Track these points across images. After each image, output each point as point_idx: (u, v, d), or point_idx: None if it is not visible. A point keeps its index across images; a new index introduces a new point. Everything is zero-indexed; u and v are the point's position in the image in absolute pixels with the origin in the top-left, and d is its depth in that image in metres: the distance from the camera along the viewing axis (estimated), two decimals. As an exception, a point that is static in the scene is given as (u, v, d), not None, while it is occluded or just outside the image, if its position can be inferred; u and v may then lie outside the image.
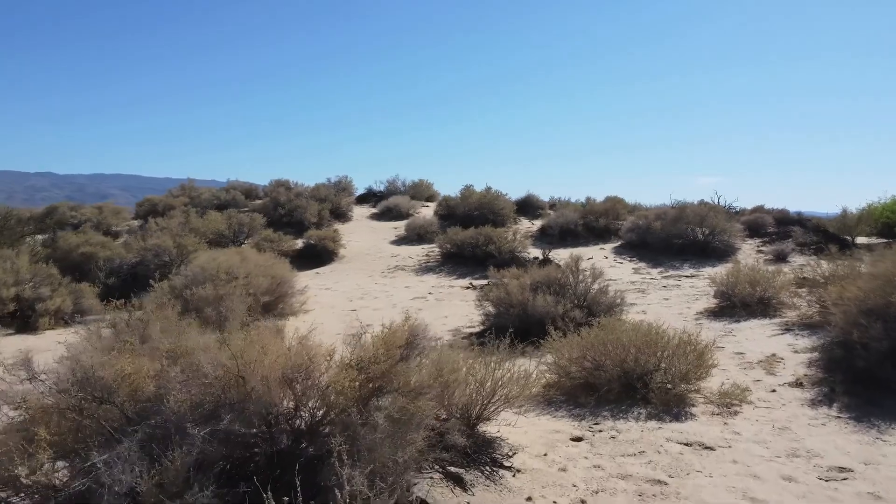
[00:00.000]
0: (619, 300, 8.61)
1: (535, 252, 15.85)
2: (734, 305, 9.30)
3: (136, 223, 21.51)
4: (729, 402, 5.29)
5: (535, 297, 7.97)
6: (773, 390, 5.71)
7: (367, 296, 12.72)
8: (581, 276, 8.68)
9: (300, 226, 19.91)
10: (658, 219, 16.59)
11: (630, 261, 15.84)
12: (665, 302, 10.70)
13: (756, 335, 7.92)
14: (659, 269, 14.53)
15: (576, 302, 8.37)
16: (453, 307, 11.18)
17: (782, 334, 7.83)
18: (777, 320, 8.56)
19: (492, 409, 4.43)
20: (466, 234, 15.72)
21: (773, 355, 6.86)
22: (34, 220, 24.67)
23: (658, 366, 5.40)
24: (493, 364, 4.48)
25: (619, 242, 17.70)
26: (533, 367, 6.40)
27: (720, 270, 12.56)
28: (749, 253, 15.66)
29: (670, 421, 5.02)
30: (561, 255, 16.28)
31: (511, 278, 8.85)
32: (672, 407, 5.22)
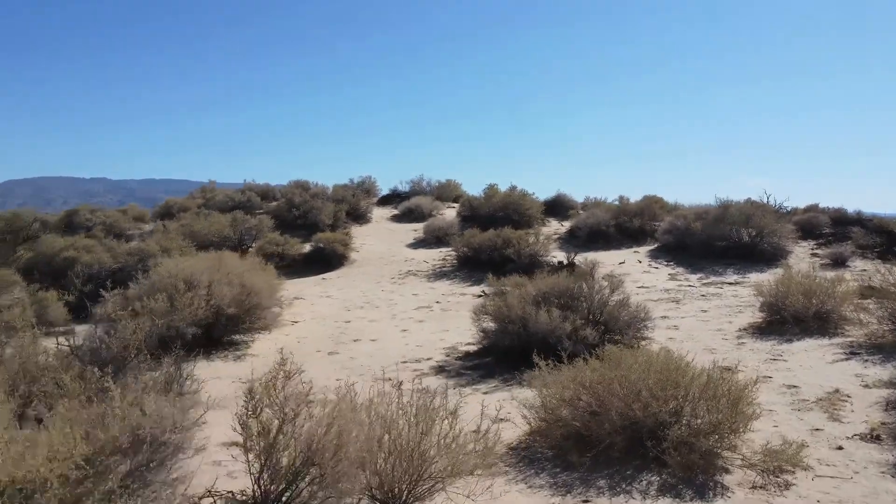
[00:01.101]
0: (642, 314, 7.16)
1: (560, 256, 14.41)
2: (784, 320, 7.77)
3: (147, 227, 20.78)
4: (777, 466, 3.84)
5: (537, 311, 6.60)
6: (839, 447, 4.23)
7: (368, 305, 11.50)
8: (597, 286, 7.27)
9: (315, 228, 18.83)
10: (698, 219, 14.96)
11: (666, 265, 14.26)
12: (702, 315, 9.17)
13: (812, 360, 6.40)
14: (698, 275, 12.94)
15: (589, 317, 6.97)
16: (459, 319, 9.85)
17: (847, 359, 6.29)
18: (839, 340, 7.01)
19: (425, 488, 3.11)
20: (484, 237, 14.38)
21: (837, 391, 5.35)
22: (54, 224, 24.26)
23: (678, 414, 4.00)
24: (429, 419, 3.15)
25: (655, 245, 16.11)
26: (514, 409, 5.08)
27: (768, 277, 10.94)
28: (802, 257, 13.92)
29: (692, 498, 3.61)
30: (589, 258, 14.83)
31: (513, 287, 7.50)
32: (696, 474, 3.80)
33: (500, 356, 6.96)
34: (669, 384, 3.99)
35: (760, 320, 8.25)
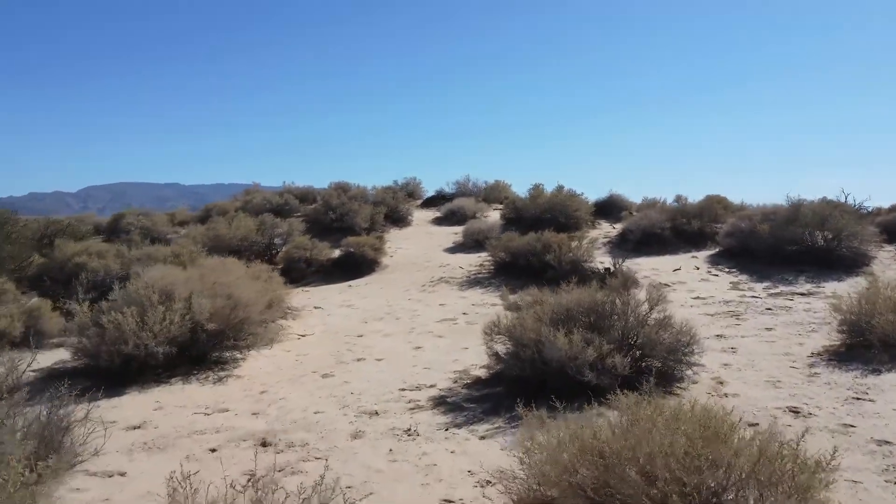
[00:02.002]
0: (687, 337, 5.86)
1: (607, 262, 13.06)
2: (869, 344, 6.34)
3: (184, 231, 20.42)
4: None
5: (553, 333, 5.42)
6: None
7: (388, 316, 10.48)
8: (632, 301, 6.02)
9: (350, 231, 18.03)
10: (766, 220, 13.34)
11: (728, 272, 12.73)
12: (766, 334, 7.76)
13: (909, 401, 5.00)
14: (764, 284, 11.40)
15: (622, 340, 5.73)
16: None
17: (955, 402, 4.87)
18: (942, 373, 5.56)
19: None
20: (522, 241, 13.16)
21: (947, 451, 3.99)
22: (104, 227, 24.32)
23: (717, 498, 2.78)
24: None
25: (716, 250, 14.54)
26: (512, 461, 3.92)
27: (847, 287, 9.40)
28: (888, 263, 12.16)
29: None
30: (641, 265, 13.44)
31: (531, 303, 6.34)
32: None
33: (513, 385, 5.81)
34: (704, 457, 2.77)
35: (838, 343, 6.82)
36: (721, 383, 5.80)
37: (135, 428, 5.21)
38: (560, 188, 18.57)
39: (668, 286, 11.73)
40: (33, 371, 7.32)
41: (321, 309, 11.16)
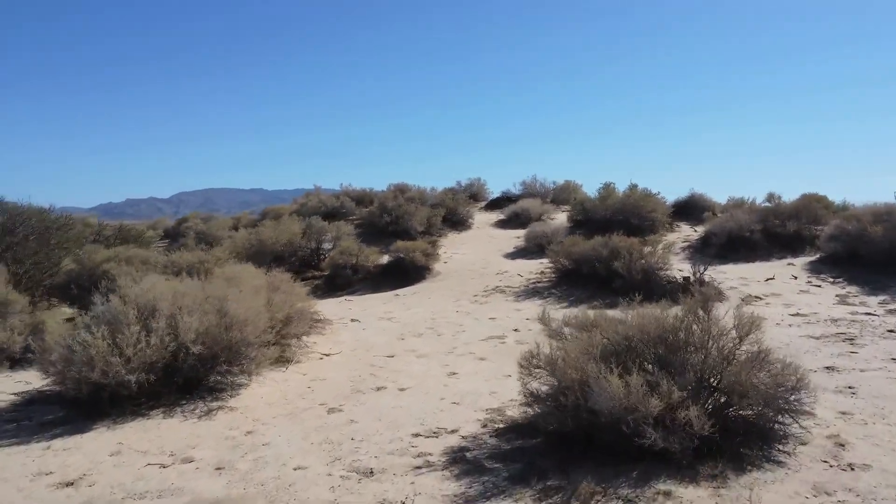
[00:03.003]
0: (793, 380, 4.30)
1: (687, 270, 11.39)
2: None
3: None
4: None
5: (604, 373, 4.02)
6: None
7: (429, 332, 9.24)
8: (715, 328, 4.52)
9: (406, 235, 16.97)
10: (878, 221, 11.34)
11: (833, 283, 10.82)
12: (895, 368, 6.04)
13: None
14: (880, 298, 9.50)
15: (700, 383, 4.26)
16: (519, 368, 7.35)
17: None
18: None
19: None
20: (586, 246, 11.67)
21: None
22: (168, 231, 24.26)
23: None
24: None
25: (817, 256, 12.58)
26: None
27: None
28: None
29: None
30: (726, 273, 11.69)
31: (577, 331, 4.94)
32: None
33: (553, 439, 4.43)
34: None
35: None
36: (841, 445, 4.22)
37: (67, 485, 4.16)
38: (633, 187, 16.87)
39: (760, 299, 9.99)
40: (13, 394, 6.50)
41: (357, 322, 10.04)
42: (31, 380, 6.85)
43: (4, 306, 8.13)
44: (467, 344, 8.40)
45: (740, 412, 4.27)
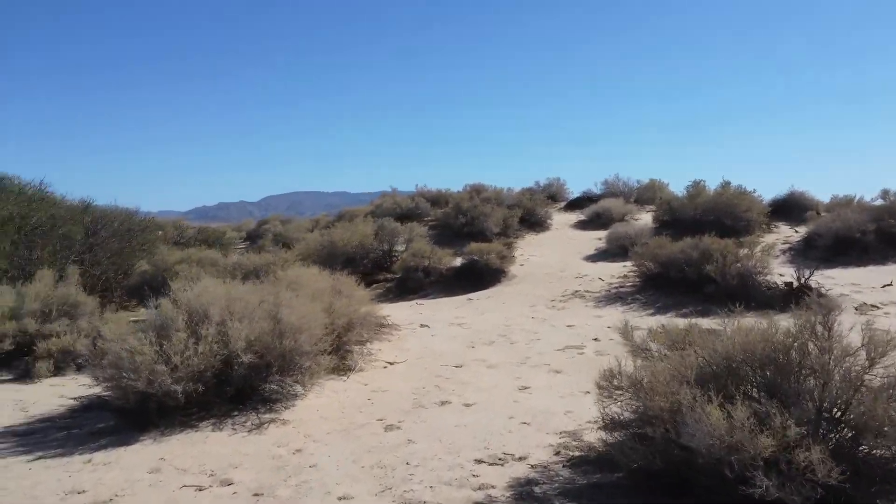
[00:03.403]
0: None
1: (788, 275, 10.30)
2: None
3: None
4: None
5: (700, 402, 3.32)
6: None
7: (501, 339, 8.66)
8: (837, 348, 3.73)
9: (481, 237, 16.41)
10: None
11: (963, 290, 9.51)
12: None
13: None
14: None
15: (820, 415, 3.49)
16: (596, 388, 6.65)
17: None
18: None
19: None
20: (674, 248, 10.76)
21: None
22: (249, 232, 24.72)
23: None
24: None
25: (943, 259, 11.17)
26: None
27: None
28: None
29: None
30: (835, 279, 10.53)
31: (663, 348, 4.23)
32: None
33: (637, 477, 3.76)
34: None
35: None
36: None
37: (94, 508, 3.84)
38: (726, 184, 15.65)
39: (876, 308, 8.87)
40: (73, 399, 6.38)
41: (427, 328, 9.56)
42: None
43: (73, 308, 8.13)
44: (542, 354, 7.76)
45: (874, 452, 3.46)
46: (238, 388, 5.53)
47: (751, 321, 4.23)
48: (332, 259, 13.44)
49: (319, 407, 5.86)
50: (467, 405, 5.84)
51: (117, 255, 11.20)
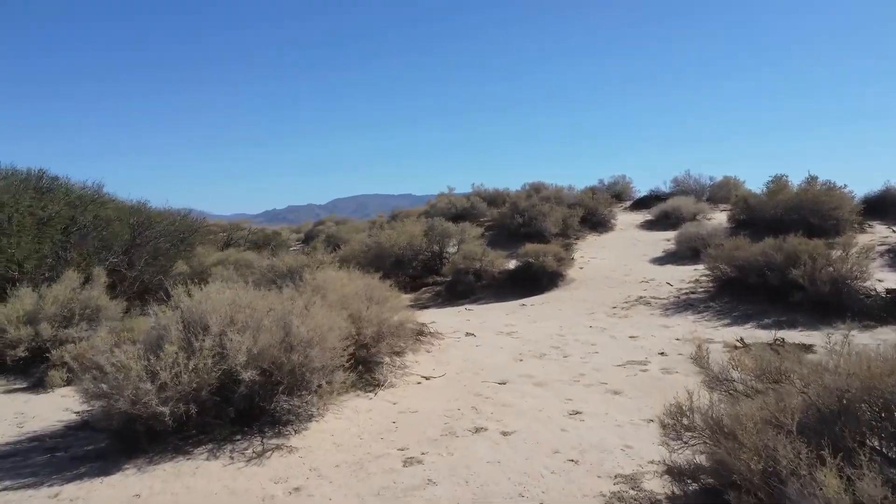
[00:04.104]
0: None
1: (890, 281, 8.94)
2: None
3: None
4: None
5: (807, 462, 2.35)
6: None
7: (554, 352, 7.71)
8: None
9: (540, 238, 15.43)
10: None
11: None
12: None
13: None
14: None
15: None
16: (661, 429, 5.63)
17: None
18: None
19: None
20: (754, 250, 9.53)
21: None
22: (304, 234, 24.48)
23: None
24: None
25: None
26: None
27: None
28: None
29: None
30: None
31: (749, 377, 3.24)
32: None
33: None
34: None
35: None
36: None
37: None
38: (812, 179, 14.14)
39: None
40: (77, 413, 5.81)
41: (472, 336, 8.70)
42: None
43: (96, 312, 7.66)
44: (599, 371, 6.77)
45: None
46: (239, 408, 4.81)
47: (864, 340, 3.20)
48: (380, 261, 12.76)
49: (335, 431, 5.08)
50: (505, 433, 4.95)
51: (153, 257, 10.82)
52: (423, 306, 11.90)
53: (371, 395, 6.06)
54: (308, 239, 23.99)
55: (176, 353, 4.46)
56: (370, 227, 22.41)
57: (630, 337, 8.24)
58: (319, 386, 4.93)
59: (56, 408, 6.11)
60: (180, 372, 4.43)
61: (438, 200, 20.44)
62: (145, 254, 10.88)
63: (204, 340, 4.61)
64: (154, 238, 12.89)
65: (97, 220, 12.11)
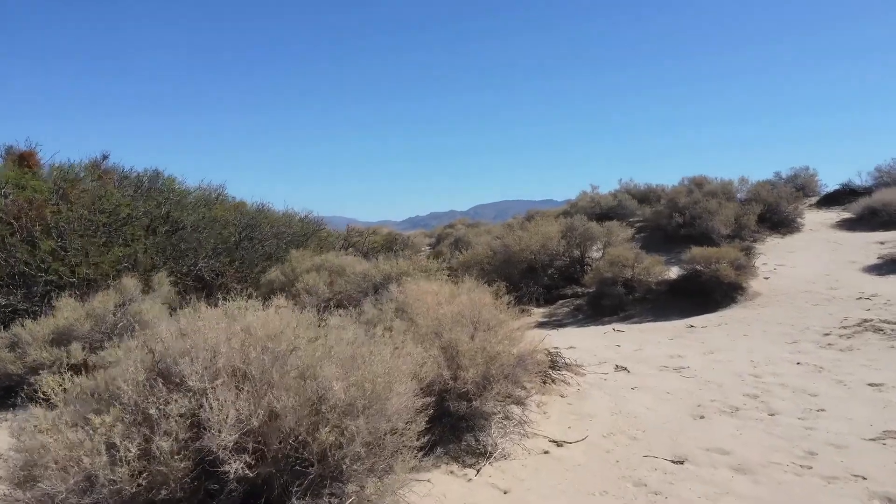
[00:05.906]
0: None
1: None
2: None
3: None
4: None
5: None
6: None
7: (752, 402, 5.19)
8: None
9: (705, 240, 12.60)
10: None
11: None
12: None
13: None
14: None
15: None
16: None
17: None
18: None
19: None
20: None
21: None
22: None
23: None
24: None
25: None
26: None
27: None
28: None
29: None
30: None
31: None
32: None
33: None
34: None
35: None
36: None
37: None
38: None
39: None
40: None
41: (625, 371, 6.33)
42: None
43: (143, 327, 6.17)
44: (839, 448, 4.20)
45: None
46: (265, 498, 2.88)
47: None
48: (508, 268, 10.67)
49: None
50: None
51: (239, 261, 9.49)
52: (559, 324, 9.63)
53: (471, 470, 3.96)
54: (438, 242, 22.46)
55: (111, 426, 2.60)
56: (505, 231, 20.41)
57: (870, 385, 5.50)
58: (362, 482, 2.88)
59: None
60: (122, 458, 2.57)
61: (580, 199, 17.94)
62: (237, 256, 9.56)
63: (168, 404, 2.72)
64: (261, 240, 11.72)
65: (203, 220, 11.04)
